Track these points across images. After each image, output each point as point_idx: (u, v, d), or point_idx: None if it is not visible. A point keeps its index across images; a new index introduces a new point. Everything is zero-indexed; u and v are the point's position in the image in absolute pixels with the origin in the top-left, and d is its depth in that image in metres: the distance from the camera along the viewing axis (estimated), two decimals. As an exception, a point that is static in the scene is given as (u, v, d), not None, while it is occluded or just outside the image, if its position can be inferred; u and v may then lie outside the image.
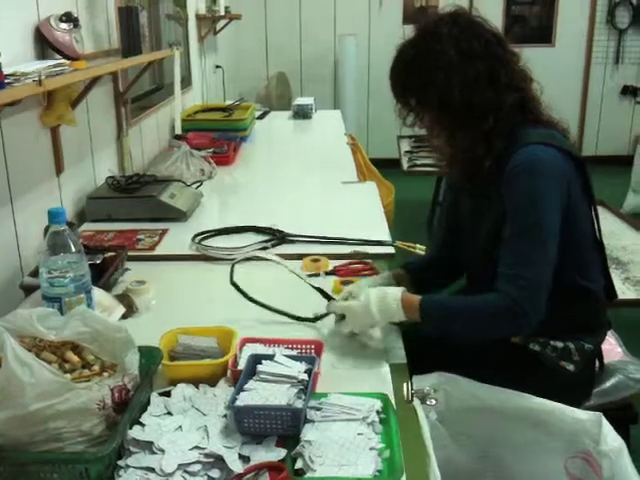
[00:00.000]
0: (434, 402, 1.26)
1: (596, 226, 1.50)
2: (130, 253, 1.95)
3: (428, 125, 1.47)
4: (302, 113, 4.28)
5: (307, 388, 1.16)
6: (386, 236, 2.07)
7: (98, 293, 1.54)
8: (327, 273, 1.81)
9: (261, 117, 4.32)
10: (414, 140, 4.81)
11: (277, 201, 2.52)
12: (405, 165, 4.49)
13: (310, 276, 1.76)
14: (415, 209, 4.91)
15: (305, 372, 1.20)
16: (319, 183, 2.82)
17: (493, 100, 1.38)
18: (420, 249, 1.98)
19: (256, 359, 1.24)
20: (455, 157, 1.49)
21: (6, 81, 1.51)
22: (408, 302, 1.41)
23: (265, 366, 1.21)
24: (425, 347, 1.45)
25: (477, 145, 1.42)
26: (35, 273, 1.62)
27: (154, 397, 1.22)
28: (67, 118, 2.03)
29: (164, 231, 2.14)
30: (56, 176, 2.10)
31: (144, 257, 1.97)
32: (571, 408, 1.24)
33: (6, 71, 1.54)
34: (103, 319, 1.21)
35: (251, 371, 1.21)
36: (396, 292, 1.42)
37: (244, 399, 1.12)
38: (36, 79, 1.45)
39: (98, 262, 1.75)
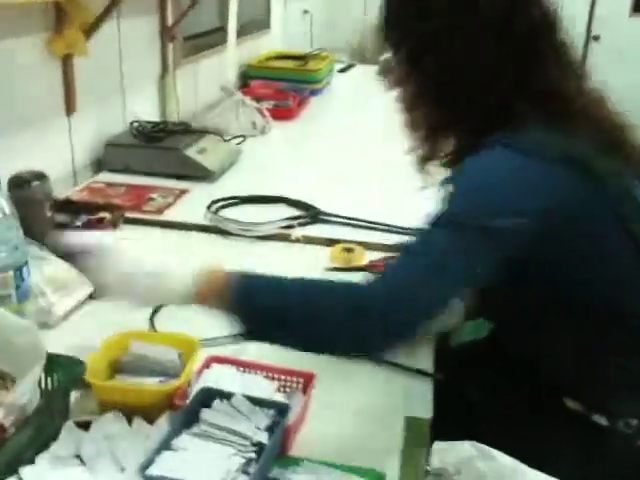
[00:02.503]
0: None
1: None
2: (133, 215, 1.63)
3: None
4: (388, 69, 3.82)
5: (259, 458, 0.79)
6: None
7: (54, 267, 1.22)
8: (358, 268, 1.41)
9: (343, 70, 3.89)
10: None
11: (328, 170, 2.08)
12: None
13: (334, 270, 1.40)
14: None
15: (268, 429, 0.84)
16: (384, 154, 2.38)
17: (505, 102, 0.95)
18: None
19: (206, 396, 0.88)
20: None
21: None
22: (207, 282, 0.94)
23: (213, 411, 0.85)
24: (457, 398, 1.05)
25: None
26: None
27: (67, 429, 0.89)
28: (78, 47, 1.71)
29: (182, 192, 1.80)
30: (66, 116, 1.79)
31: (148, 222, 1.63)
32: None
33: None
34: (5, 314, 0.89)
35: (194, 413, 0.86)
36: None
37: (163, 465, 0.77)
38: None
39: (79, 225, 1.44)
